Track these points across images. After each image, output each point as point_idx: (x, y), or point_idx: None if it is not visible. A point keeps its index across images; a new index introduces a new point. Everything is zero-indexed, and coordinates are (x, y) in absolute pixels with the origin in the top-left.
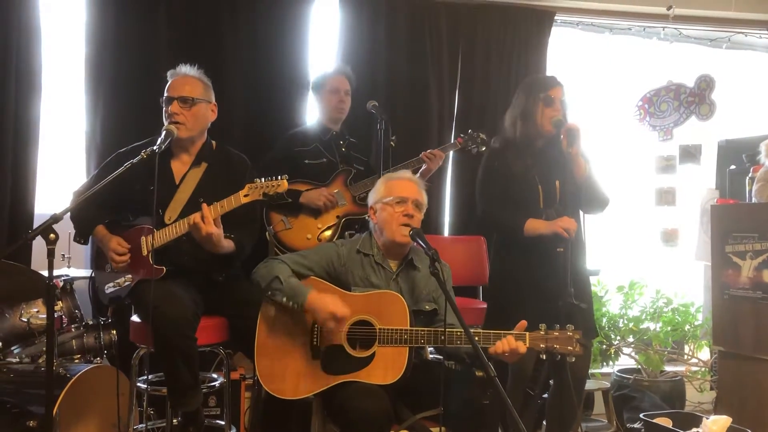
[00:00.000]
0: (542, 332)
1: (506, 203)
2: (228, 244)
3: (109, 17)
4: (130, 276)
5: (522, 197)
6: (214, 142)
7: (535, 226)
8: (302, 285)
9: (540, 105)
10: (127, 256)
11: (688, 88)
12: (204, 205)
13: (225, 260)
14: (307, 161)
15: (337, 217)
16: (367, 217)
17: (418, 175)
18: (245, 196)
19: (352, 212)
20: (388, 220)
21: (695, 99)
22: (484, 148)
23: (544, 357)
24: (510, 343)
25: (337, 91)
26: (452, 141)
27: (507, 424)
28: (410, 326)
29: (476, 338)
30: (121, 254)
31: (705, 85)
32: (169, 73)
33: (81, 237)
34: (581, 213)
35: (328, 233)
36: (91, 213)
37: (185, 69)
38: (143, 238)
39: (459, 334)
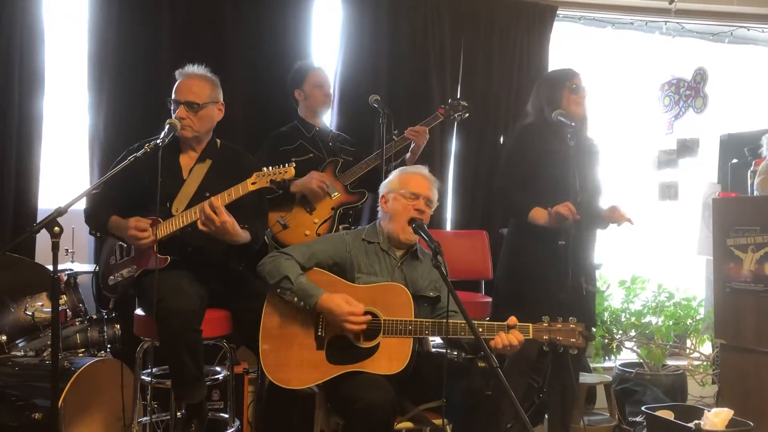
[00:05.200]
0: (545, 324)
1: (528, 184)
2: (245, 234)
3: (112, 13)
4: (134, 267)
5: (559, 181)
6: (218, 141)
7: (537, 215)
8: (313, 285)
9: (565, 92)
10: (150, 231)
11: (686, 82)
12: (212, 198)
13: (241, 250)
14: (293, 159)
15: (332, 209)
16: (378, 208)
17: (408, 152)
18: (252, 183)
19: (346, 202)
20: (399, 211)
21: (692, 92)
22: (467, 115)
23: (547, 348)
24: (503, 339)
25: (322, 85)
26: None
27: (508, 415)
28: (414, 317)
29: (480, 329)
30: (143, 230)
31: (700, 78)
32: (177, 73)
33: (97, 231)
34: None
35: (325, 227)
36: (103, 208)
37: (193, 69)
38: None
39: (463, 325)
